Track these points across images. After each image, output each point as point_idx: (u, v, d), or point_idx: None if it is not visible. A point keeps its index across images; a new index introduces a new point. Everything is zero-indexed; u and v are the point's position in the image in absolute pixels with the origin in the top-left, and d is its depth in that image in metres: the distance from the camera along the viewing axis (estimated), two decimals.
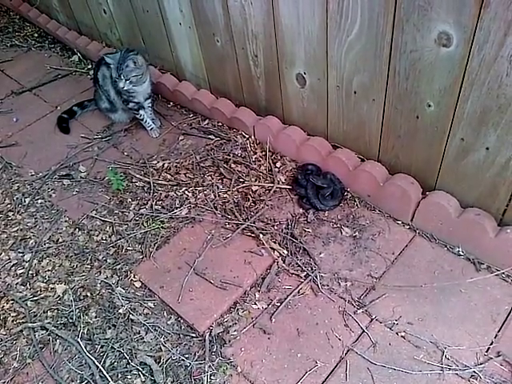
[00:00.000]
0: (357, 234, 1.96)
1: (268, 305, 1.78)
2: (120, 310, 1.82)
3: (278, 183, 2.19)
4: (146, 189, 2.27)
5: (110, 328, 1.78)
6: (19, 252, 2.09)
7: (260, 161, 2.31)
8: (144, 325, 1.77)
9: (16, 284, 1.96)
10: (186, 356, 1.67)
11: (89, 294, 1.89)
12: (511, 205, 1.69)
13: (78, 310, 1.84)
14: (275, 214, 2.08)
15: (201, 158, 2.38)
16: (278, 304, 1.77)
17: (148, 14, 2.61)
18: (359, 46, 1.73)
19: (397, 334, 1.64)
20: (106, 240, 2.09)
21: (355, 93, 1.89)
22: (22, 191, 2.36)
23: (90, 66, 3.21)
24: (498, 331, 1.61)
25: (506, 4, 1.29)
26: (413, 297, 1.73)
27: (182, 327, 1.76)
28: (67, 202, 2.28)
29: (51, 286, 1.94)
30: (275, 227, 2.02)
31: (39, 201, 2.31)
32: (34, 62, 3.33)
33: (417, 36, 1.54)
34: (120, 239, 2.07)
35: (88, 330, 1.78)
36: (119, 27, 2.99)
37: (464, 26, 1.41)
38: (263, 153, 2.33)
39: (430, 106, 1.68)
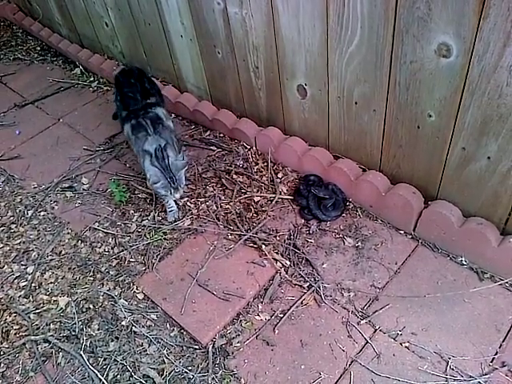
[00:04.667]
0: (359, 244, 1.96)
1: (271, 316, 1.78)
2: (123, 322, 1.82)
3: (280, 194, 2.19)
4: (148, 200, 2.28)
5: (112, 340, 1.77)
6: (22, 264, 2.09)
7: (262, 171, 2.31)
8: (147, 337, 1.76)
9: (19, 297, 1.96)
10: (189, 368, 1.67)
11: (91, 307, 1.89)
12: None
13: (80, 323, 1.83)
14: (277, 224, 2.08)
15: (202, 169, 2.39)
16: (281, 315, 1.77)
17: (150, 26, 2.64)
18: (360, 57, 1.75)
19: (401, 344, 1.63)
20: (108, 252, 2.09)
21: (356, 103, 1.90)
22: (25, 203, 2.37)
23: (92, 79, 3.23)
24: (503, 341, 1.60)
25: (504, 15, 1.30)
26: (416, 307, 1.73)
27: (185, 339, 1.76)
28: (70, 214, 2.29)
29: (54, 298, 1.94)
30: (277, 238, 2.02)
31: (42, 213, 2.32)
32: (37, 75, 3.36)
33: (417, 47, 1.55)
34: (122, 251, 2.07)
35: (91, 342, 1.77)
36: (121, 40, 3.02)
37: (464, 36, 1.42)
38: (265, 163, 2.34)
39: (430, 116, 1.68)
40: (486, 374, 1.53)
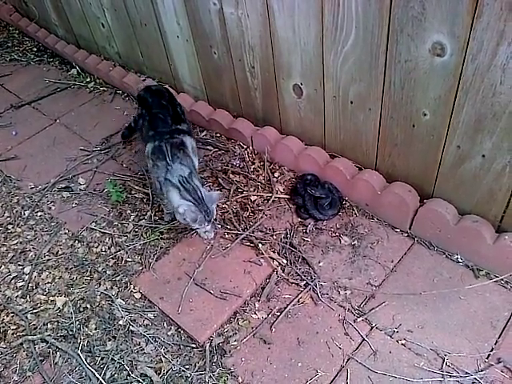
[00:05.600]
0: (355, 242, 1.97)
1: (268, 314, 1.78)
2: (120, 322, 1.82)
3: (277, 193, 2.20)
4: (145, 200, 2.28)
5: (110, 340, 1.77)
6: (19, 265, 2.09)
7: (258, 171, 2.32)
8: (144, 336, 1.77)
9: (16, 297, 1.96)
10: (187, 367, 1.67)
11: (89, 306, 1.89)
12: (508, 211, 1.70)
13: (78, 322, 1.84)
14: (274, 223, 2.09)
15: (199, 169, 2.38)
16: (278, 313, 1.77)
17: (146, 27, 2.64)
18: (355, 56, 1.75)
19: (397, 341, 1.64)
20: (105, 252, 2.09)
21: (352, 103, 1.91)
22: (22, 204, 2.37)
23: (88, 79, 3.23)
24: (498, 338, 1.61)
25: (497, 14, 1.31)
26: (412, 304, 1.74)
27: (182, 338, 1.76)
28: (67, 214, 2.29)
29: (51, 298, 1.94)
30: (274, 237, 2.03)
31: (39, 213, 2.32)
32: (33, 76, 3.36)
33: (411, 46, 1.56)
34: (119, 251, 2.07)
35: (88, 341, 1.78)
36: (117, 40, 3.02)
37: (457, 35, 1.43)
38: (261, 163, 2.34)
39: (425, 114, 1.69)
40: (481, 371, 1.54)
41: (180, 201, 1.85)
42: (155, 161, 1.95)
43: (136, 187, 2.35)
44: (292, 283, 1.86)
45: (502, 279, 1.75)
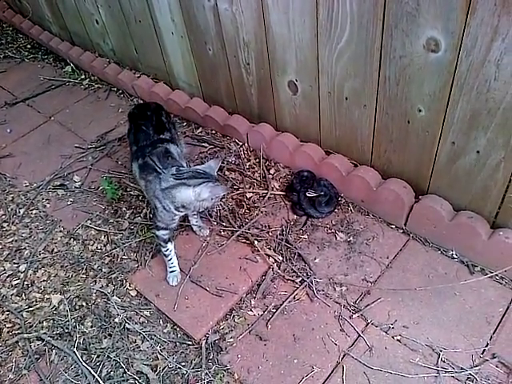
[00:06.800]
0: (351, 238, 1.97)
1: (264, 311, 1.78)
2: (116, 319, 1.82)
3: (272, 190, 2.19)
4: (140, 197, 2.27)
5: (106, 337, 1.77)
6: (14, 263, 2.08)
7: (254, 168, 2.32)
8: (140, 333, 1.77)
9: (11, 295, 1.96)
10: (183, 364, 1.67)
11: (84, 304, 1.89)
12: (503, 207, 1.71)
13: (73, 320, 1.83)
14: (270, 220, 2.09)
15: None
16: (274, 310, 1.78)
17: (140, 23, 2.63)
18: (349, 52, 1.75)
19: (392, 337, 1.65)
20: (101, 249, 2.09)
21: (347, 99, 1.90)
22: (17, 202, 2.36)
23: (83, 76, 3.22)
24: (493, 333, 1.62)
25: (491, 10, 1.31)
26: (408, 300, 1.74)
27: (179, 335, 1.76)
28: (62, 212, 2.28)
29: (46, 296, 1.93)
30: (270, 233, 2.03)
31: (34, 211, 2.31)
32: (28, 73, 3.35)
33: (406, 42, 1.56)
34: (115, 248, 2.07)
35: (84, 339, 1.77)
36: (112, 37, 3.01)
37: (452, 31, 1.43)
38: (257, 160, 2.34)
39: (420, 110, 1.69)
40: (476, 366, 1.55)
41: (194, 189, 1.66)
42: (146, 177, 1.80)
43: (131, 184, 2.34)
44: (288, 280, 1.86)
45: (496, 275, 1.75)
